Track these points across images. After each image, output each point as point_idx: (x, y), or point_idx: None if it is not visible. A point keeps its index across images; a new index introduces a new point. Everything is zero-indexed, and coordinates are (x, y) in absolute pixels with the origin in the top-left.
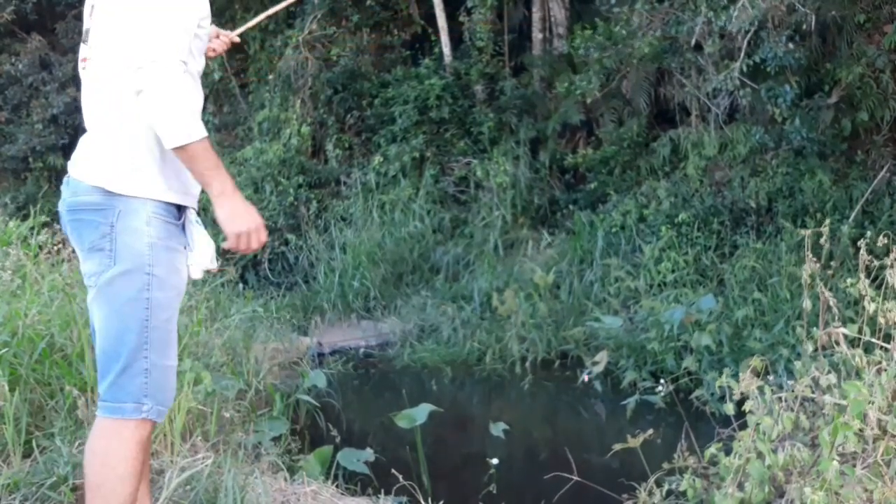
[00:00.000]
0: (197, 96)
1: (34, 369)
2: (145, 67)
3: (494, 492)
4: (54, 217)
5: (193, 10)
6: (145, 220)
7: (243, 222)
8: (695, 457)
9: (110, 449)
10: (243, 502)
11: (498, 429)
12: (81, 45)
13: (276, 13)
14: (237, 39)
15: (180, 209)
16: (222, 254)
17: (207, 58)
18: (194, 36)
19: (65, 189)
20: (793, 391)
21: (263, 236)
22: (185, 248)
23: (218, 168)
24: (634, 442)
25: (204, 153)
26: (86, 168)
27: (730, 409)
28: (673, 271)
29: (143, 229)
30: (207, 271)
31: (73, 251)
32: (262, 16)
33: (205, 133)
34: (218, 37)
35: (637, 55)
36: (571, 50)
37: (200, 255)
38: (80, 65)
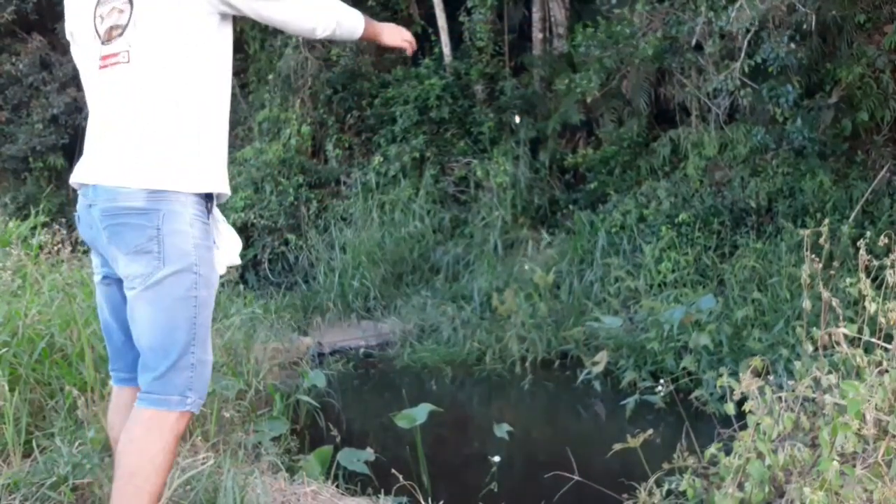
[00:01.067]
0: (339, 8)
1: (34, 369)
2: (315, 31)
3: (495, 491)
4: (54, 217)
5: None
6: (189, 221)
7: (398, 34)
8: (695, 457)
9: (151, 438)
10: (243, 502)
11: (502, 430)
12: (97, 44)
13: None
14: None
15: (208, 205)
16: None
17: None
18: None
19: (94, 195)
20: (793, 391)
21: (408, 34)
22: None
23: (370, 22)
24: (634, 442)
25: (367, 23)
26: (124, 171)
27: (730, 409)
28: (673, 271)
29: (187, 231)
30: (230, 267)
31: (73, 251)
32: None
33: (360, 14)
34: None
35: (639, 55)
36: (572, 49)
37: (225, 252)
38: (101, 62)
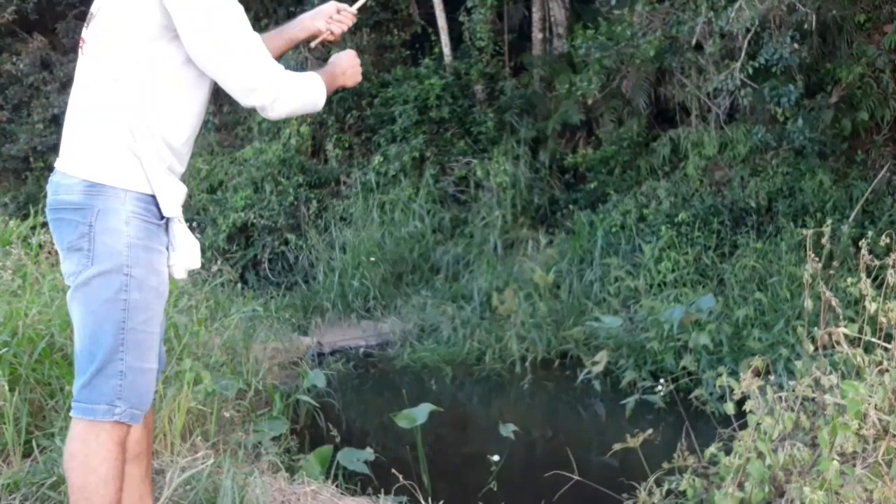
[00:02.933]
0: (295, 74)
1: (34, 369)
2: (254, 93)
3: (495, 491)
4: None
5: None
6: (124, 219)
7: (355, 69)
8: (695, 456)
9: (89, 451)
10: (243, 502)
11: (507, 430)
12: (84, 29)
13: None
14: (356, 15)
15: (158, 208)
16: (222, 253)
17: (329, 44)
18: None
19: (48, 188)
20: (793, 391)
21: (354, 59)
22: (166, 248)
23: (331, 80)
24: (634, 442)
25: (328, 86)
26: (70, 159)
27: (730, 408)
28: (673, 271)
29: (121, 229)
30: (192, 271)
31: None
32: None
33: (321, 80)
34: (339, 12)
35: (640, 56)
36: (572, 50)
37: (184, 256)
38: (80, 50)
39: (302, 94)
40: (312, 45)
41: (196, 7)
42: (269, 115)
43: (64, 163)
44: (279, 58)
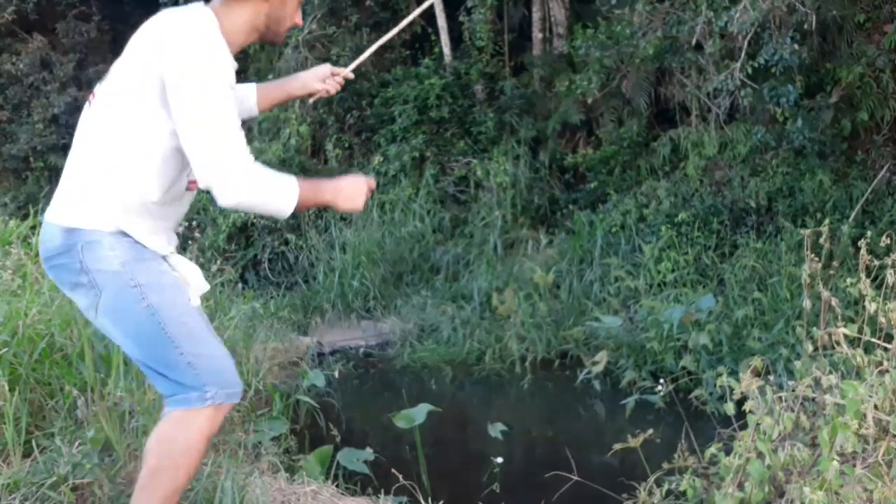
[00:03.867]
0: (266, 173)
1: (34, 369)
2: (211, 181)
3: (495, 491)
4: None
5: (225, 89)
6: (108, 246)
7: (362, 196)
8: (695, 456)
9: (178, 436)
10: (243, 502)
11: (496, 429)
12: (98, 84)
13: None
14: (351, 76)
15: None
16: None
17: (321, 99)
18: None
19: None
20: (793, 391)
21: (371, 184)
22: (164, 258)
23: (318, 191)
24: (634, 442)
25: (305, 196)
26: (52, 208)
27: (730, 408)
28: (673, 271)
29: (109, 255)
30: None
31: None
32: (377, 44)
33: (296, 189)
34: (335, 75)
35: (640, 55)
36: (572, 50)
37: (191, 282)
38: (88, 102)
39: (260, 201)
40: (310, 100)
41: (187, 86)
42: (218, 201)
43: (48, 212)
44: (270, 107)
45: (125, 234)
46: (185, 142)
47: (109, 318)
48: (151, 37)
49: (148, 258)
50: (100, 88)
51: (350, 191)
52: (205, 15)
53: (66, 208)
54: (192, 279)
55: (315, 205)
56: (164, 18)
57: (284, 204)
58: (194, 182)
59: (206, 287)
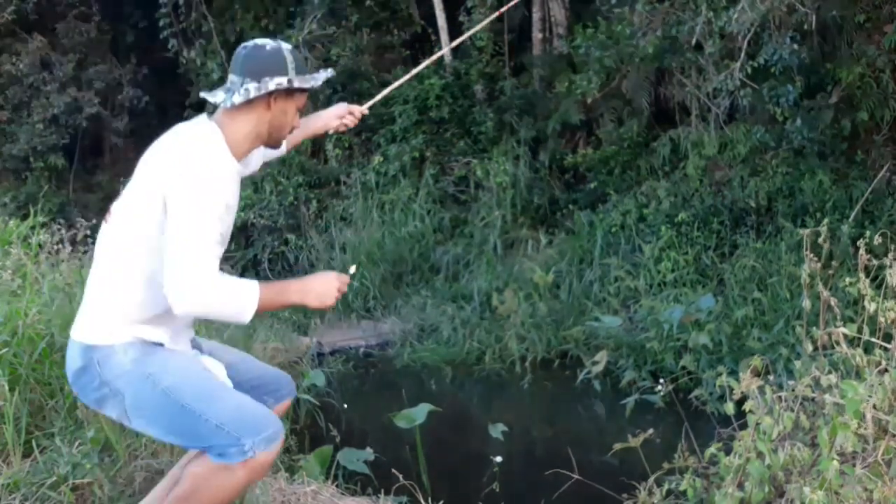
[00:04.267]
0: (225, 286)
1: (34, 369)
2: (172, 295)
3: (495, 491)
4: (54, 217)
5: (213, 208)
6: (121, 352)
7: (332, 294)
8: (695, 456)
9: (216, 481)
10: (243, 502)
11: (497, 430)
12: (114, 202)
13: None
14: (366, 111)
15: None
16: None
17: (339, 133)
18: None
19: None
20: (793, 391)
21: (345, 278)
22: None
23: (283, 293)
24: (635, 441)
25: (267, 301)
26: (75, 325)
27: (729, 408)
28: (673, 271)
29: (122, 360)
30: None
31: (73, 251)
32: (396, 83)
33: (255, 298)
34: (352, 113)
35: (640, 54)
36: (572, 50)
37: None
38: (105, 219)
39: (214, 311)
40: (330, 131)
41: (179, 204)
42: (174, 308)
43: (72, 329)
44: (295, 147)
45: (137, 340)
46: (165, 249)
47: (140, 417)
48: (159, 157)
49: (157, 351)
50: (115, 206)
51: (320, 290)
52: (210, 131)
53: (83, 325)
54: (214, 370)
55: (281, 306)
56: (171, 138)
57: (241, 313)
58: None
59: (228, 383)
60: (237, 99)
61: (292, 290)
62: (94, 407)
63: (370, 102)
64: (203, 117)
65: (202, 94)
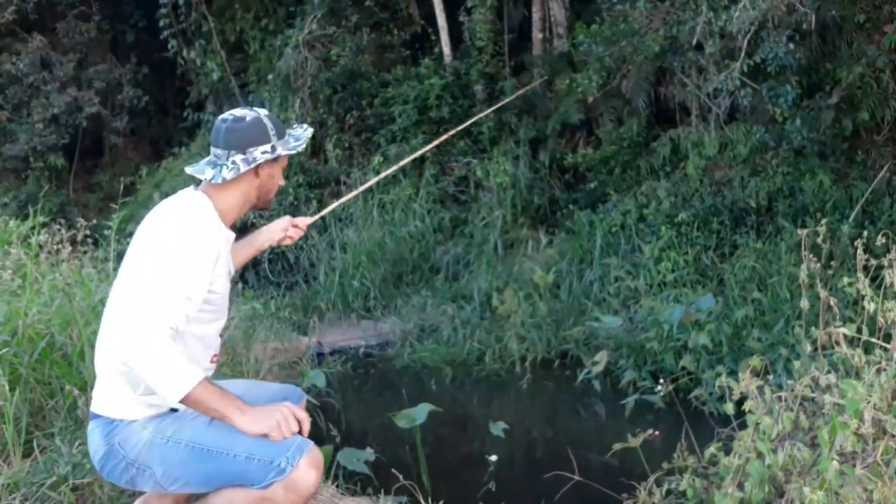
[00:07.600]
0: (169, 359)
1: (34, 369)
2: (121, 344)
3: (494, 491)
4: (54, 217)
5: (198, 281)
6: (140, 428)
7: (271, 419)
8: (694, 457)
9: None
10: None
11: (498, 428)
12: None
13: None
14: (311, 221)
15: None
16: None
17: (284, 245)
18: (203, 301)
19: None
20: (792, 391)
21: (300, 414)
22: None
23: (223, 400)
24: (635, 441)
25: (203, 396)
26: (94, 399)
27: (729, 408)
28: (673, 271)
29: (142, 435)
30: None
31: (73, 251)
32: (341, 200)
33: (190, 385)
34: (296, 226)
35: (643, 52)
36: (572, 48)
37: None
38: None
39: (148, 377)
40: (275, 244)
41: (154, 256)
42: (128, 364)
43: (93, 404)
44: (242, 265)
45: (154, 412)
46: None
47: (174, 483)
48: (150, 229)
49: (170, 414)
50: (117, 281)
51: (258, 416)
52: (199, 201)
53: (102, 401)
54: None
55: (215, 412)
56: (162, 210)
57: (171, 392)
58: (216, 355)
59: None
60: (228, 175)
61: (234, 407)
62: (126, 486)
63: (318, 216)
64: (190, 189)
65: (188, 170)
